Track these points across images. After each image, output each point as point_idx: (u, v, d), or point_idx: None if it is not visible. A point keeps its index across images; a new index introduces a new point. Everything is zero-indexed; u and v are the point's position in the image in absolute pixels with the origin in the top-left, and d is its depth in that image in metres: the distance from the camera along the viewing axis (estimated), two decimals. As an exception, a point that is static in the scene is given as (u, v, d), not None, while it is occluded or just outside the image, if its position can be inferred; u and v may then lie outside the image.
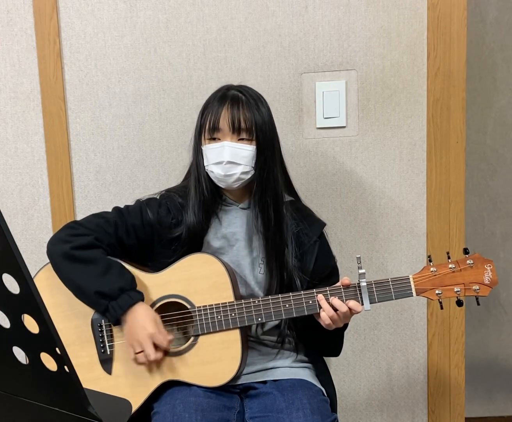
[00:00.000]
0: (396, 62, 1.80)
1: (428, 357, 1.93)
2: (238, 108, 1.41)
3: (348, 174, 1.85)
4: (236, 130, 1.41)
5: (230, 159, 1.41)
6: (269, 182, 1.45)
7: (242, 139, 1.42)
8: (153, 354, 1.35)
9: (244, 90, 1.47)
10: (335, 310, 1.35)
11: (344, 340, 1.55)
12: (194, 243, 1.47)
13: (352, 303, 1.35)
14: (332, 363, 1.90)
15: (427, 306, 1.90)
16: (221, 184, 1.46)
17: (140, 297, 1.39)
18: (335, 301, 1.36)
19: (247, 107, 1.42)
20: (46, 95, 1.81)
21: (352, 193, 1.86)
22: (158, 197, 1.54)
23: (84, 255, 1.40)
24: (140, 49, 1.80)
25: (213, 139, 1.43)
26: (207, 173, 1.47)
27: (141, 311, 1.37)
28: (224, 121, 1.41)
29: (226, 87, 1.49)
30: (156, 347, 1.37)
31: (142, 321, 1.36)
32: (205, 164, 1.46)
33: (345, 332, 1.52)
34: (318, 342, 1.53)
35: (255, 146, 1.42)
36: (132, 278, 1.40)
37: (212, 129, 1.42)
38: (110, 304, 1.37)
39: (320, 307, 1.37)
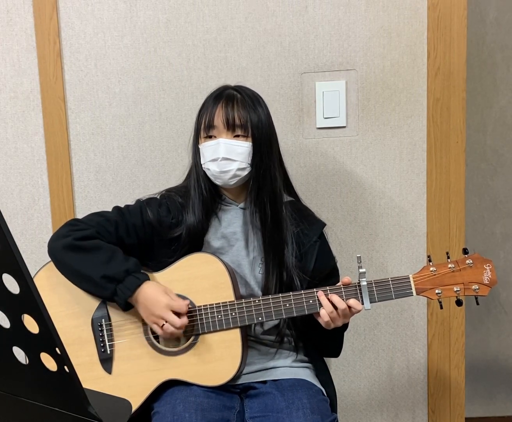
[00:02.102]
0: (396, 62, 1.80)
1: (428, 357, 1.93)
2: (233, 106, 1.42)
3: (348, 174, 1.85)
4: (231, 127, 1.41)
5: (225, 155, 1.41)
6: (266, 180, 1.45)
7: (238, 136, 1.42)
8: (178, 321, 1.35)
9: (240, 89, 1.48)
10: (335, 307, 1.36)
11: (344, 340, 1.55)
12: (194, 242, 1.47)
13: (352, 301, 1.36)
14: (332, 363, 1.90)
15: (427, 306, 1.90)
16: (217, 182, 1.46)
17: (146, 277, 1.39)
18: (334, 297, 1.36)
19: (242, 105, 1.43)
20: (46, 95, 1.81)
21: (352, 193, 1.86)
22: (158, 197, 1.54)
23: (87, 244, 1.40)
24: (140, 49, 1.80)
25: (209, 137, 1.44)
26: (204, 172, 1.47)
27: (149, 289, 1.37)
28: (219, 118, 1.42)
29: (223, 87, 1.49)
30: (177, 314, 1.36)
31: (153, 296, 1.36)
32: (202, 162, 1.46)
33: (345, 332, 1.52)
34: (318, 342, 1.53)
35: (251, 143, 1.43)
36: (136, 261, 1.41)
37: (207, 127, 1.43)
38: (118, 287, 1.37)
39: (320, 305, 1.37)
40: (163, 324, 1.36)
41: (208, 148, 1.44)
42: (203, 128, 1.45)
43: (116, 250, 1.42)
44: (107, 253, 1.40)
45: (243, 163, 1.43)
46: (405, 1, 1.78)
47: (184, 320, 1.37)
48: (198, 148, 1.47)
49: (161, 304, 1.36)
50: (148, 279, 1.40)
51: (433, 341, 1.92)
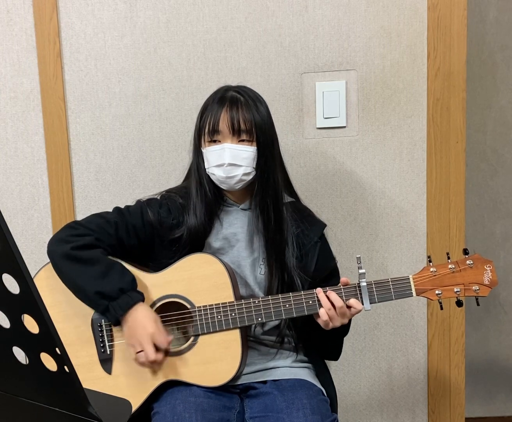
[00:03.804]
0: (396, 62, 1.80)
1: (428, 357, 1.93)
2: (238, 110, 1.41)
3: (348, 174, 1.85)
4: (236, 132, 1.41)
5: (231, 161, 1.41)
6: (270, 183, 1.45)
7: (243, 140, 1.42)
8: (152, 354, 1.35)
9: (242, 91, 1.47)
10: (333, 305, 1.35)
11: (344, 340, 1.55)
12: (195, 243, 1.47)
13: (352, 301, 1.36)
14: (332, 363, 1.90)
15: (427, 306, 1.90)
16: (223, 186, 1.46)
17: (140, 298, 1.39)
18: (332, 295, 1.36)
19: (246, 108, 1.42)
20: (46, 95, 1.81)
21: (352, 193, 1.86)
22: (158, 197, 1.54)
23: (85, 255, 1.40)
24: (140, 49, 1.80)
25: (213, 141, 1.43)
26: (208, 175, 1.47)
27: (141, 312, 1.37)
28: (224, 123, 1.41)
29: (225, 89, 1.48)
30: (156, 348, 1.36)
31: (142, 320, 1.36)
32: (206, 167, 1.46)
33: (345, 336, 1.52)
34: (318, 344, 1.53)
35: (255, 147, 1.42)
36: (132, 279, 1.40)
37: (211, 132, 1.42)
38: (111, 304, 1.37)
39: (320, 305, 1.37)
40: (139, 352, 1.36)
41: (212, 153, 1.43)
42: (207, 132, 1.43)
43: (114, 264, 1.41)
44: (103, 267, 1.39)
45: (249, 168, 1.43)
46: (405, 1, 1.78)
47: (159, 356, 1.36)
48: (201, 151, 1.47)
49: (146, 331, 1.35)
50: (142, 300, 1.39)
51: (433, 341, 1.92)
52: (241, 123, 1.41)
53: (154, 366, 1.40)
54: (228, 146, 1.41)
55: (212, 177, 1.46)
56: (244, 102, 1.43)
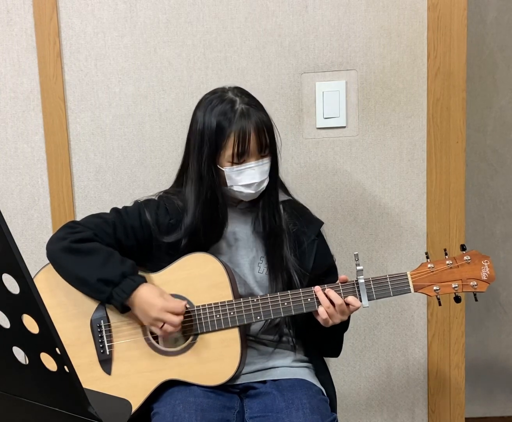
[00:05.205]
0: (396, 62, 1.80)
1: (428, 357, 1.93)
2: (264, 131, 1.40)
3: (348, 174, 1.85)
4: (263, 150, 1.41)
5: (260, 178, 1.41)
6: (275, 185, 1.47)
7: (264, 155, 1.42)
8: (176, 320, 1.35)
9: (250, 100, 1.43)
10: (332, 303, 1.36)
11: (344, 340, 1.55)
12: (195, 244, 1.46)
13: (351, 298, 1.36)
14: (332, 363, 1.90)
15: (427, 306, 1.90)
16: (243, 198, 1.46)
17: (142, 280, 1.39)
18: (331, 292, 1.36)
19: (267, 126, 1.41)
20: (46, 95, 1.81)
21: (352, 193, 1.86)
22: (156, 198, 1.54)
23: (84, 247, 1.40)
24: (140, 49, 1.80)
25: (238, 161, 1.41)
26: (215, 191, 1.42)
27: (145, 292, 1.37)
28: (254, 146, 1.39)
29: (229, 100, 1.41)
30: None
31: (149, 300, 1.36)
32: (229, 185, 1.42)
33: (345, 333, 1.52)
34: (318, 341, 1.53)
35: (271, 157, 1.44)
36: (133, 263, 1.41)
37: (240, 155, 1.39)
38: (114, 290, 1.37)
39: (318, 303, 1.37)
40: (162, 325, 1.36)
41: (240, 173, 1.40)
42: (236, 155, 1.38)
43: (113, 252, 1.41)
44: (103, 256, 1.39)
45: (267, 179, 1.44)
46: (405, 1, 1.78)
47: (181, 318, 1.37)
48: (218, 168, 1.41)
49: (157, 307, 1.36)
50: (145, 282, 1.39)
51: (433, 341, 1.92)
52: (268, 141, 1.41)
53: (152, 365, 1.40)
54: (256, 165, 1.40)
55: (238, 194, 1.44)
56: (265, 120, 1.40)
